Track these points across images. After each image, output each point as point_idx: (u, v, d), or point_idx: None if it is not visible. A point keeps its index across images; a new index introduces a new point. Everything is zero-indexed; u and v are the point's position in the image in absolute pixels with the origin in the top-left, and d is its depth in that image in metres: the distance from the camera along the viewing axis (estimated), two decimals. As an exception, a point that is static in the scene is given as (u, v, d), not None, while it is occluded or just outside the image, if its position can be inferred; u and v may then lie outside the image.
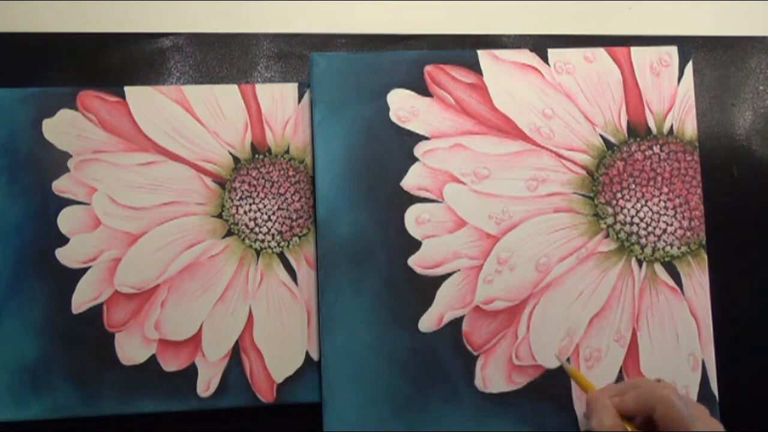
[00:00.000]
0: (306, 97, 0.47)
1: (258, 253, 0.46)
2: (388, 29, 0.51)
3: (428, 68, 0.47)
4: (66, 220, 0.45)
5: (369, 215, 0.45)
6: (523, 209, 0.46)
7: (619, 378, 0.45)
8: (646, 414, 0.38)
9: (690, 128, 0.48)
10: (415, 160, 0.46)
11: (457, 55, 0.47)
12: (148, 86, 0.47)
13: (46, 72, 0.48)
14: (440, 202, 0.46)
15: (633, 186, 0.47)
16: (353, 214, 0.45)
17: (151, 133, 0.46)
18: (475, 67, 0.47)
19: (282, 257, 0.46)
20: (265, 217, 0.46)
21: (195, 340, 0.44)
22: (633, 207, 0.47)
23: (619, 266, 0.46)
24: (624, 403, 0.39)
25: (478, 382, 0.44)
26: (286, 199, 0.47)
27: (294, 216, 0.46)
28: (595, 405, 0.39)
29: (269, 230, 0.46)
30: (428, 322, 0.44)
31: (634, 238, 0.46)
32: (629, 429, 0.38)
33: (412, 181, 0.46)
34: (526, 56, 0.48)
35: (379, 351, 0.44)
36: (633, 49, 0.48)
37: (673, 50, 0.48)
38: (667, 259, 0.46)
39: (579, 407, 0.44)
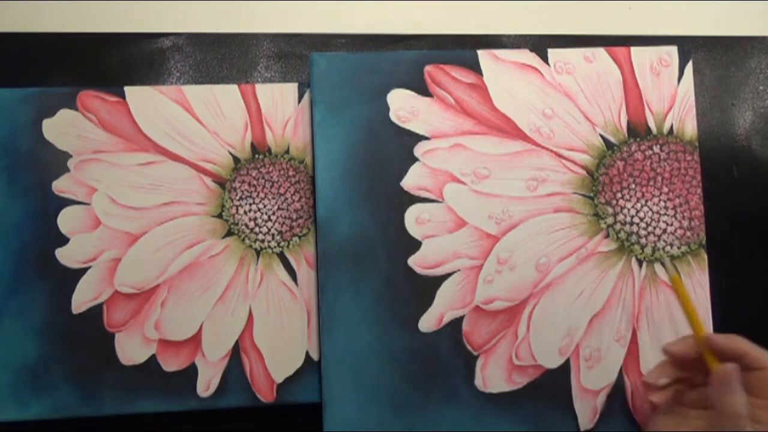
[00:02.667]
0: (306, 97, 0.47)
1: (258, 253, 0.46)
2: (388, 29, 0.51)
3: (428, 68, 0.47)
4: (66, 220, 0.45)
5: (369, 215, 0.45)
6: (523, 209, 0.46)
7: (619, 378, 0.45)
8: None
9: (690, 128, 0.48)
10: (415, 160, 0.46)
11: (457, 55, 0.47)
12: (148, 86, 0.47)
13: (46, 72, 0.48)
14: (440, 202, 0.46)
15: (633, 186, 0.47)
16: (353, 214, 0.45)
17: (151, 133, 0.46)
18: (475, 67, 0.47)
19: (282, 257, 0.46)
20: (265, 217, 0.46)
21: (195, 340, 0.44)
22: (633, 207, 0.47)
23: (619, 266, 0.46)
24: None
25: (478, 382, 0.44)
26: (286, 199, 0.47)
27: (294, 216, 0.46)
28: (734, 383, 0.38)
29: (269, 230, 0.46)
30: (428, 322, 0.44)
31: (634, 238, 0.46)
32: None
33: (412, 181, 0.46)
34: (526, 56, 0.48)
35: (379, 351, 0.44)
36: (633, 49, 0.48)
37: (673, 50, 0.48)
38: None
39: (579, 407, 0.44)
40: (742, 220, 0.50)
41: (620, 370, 0.45)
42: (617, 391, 0.45)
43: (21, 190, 0.45)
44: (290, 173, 0.47)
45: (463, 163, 0.46)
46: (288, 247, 0.46)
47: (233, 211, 0.46)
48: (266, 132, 0.47)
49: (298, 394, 0.44)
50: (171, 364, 0.44)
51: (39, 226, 0.45)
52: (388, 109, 0.46)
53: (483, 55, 0.47)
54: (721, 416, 0.37)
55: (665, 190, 0.47)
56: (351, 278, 0.44)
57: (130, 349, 0.44)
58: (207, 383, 0.44)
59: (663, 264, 0.44)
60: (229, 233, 0.46)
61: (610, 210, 0.47)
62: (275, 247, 0.46)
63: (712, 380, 0.39)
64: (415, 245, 0.45)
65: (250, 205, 0.46)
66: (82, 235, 0.45)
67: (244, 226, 0.46)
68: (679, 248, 0.47)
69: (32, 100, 0.46)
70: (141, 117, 0.46)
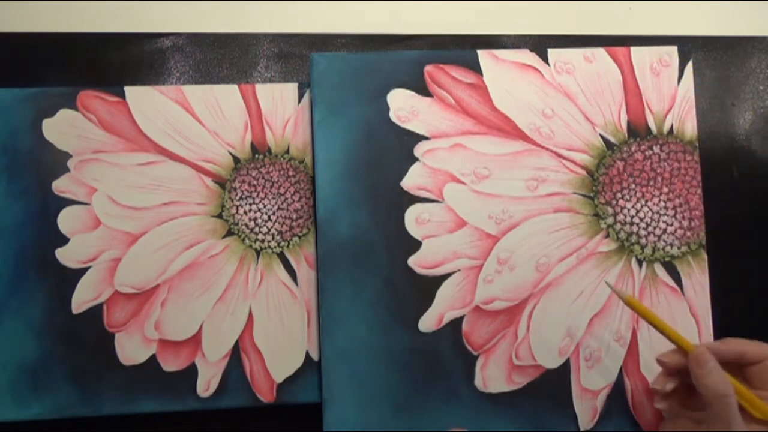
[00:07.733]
0: (306, 97, 0.47)
1: (258, 253, 0.46)
2: (388, 29, 0.51)
3: (428, 68, 0.47)
4: (66, 220, 0.45)
5: (369, 215, 0.45)
6: (523, 209, 0.46)
7: (619, 378, 0.45)
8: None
9: (690, 128, 0.48)
10: (415, 160, 0.46)
11: (457, 55, 0.47)
12: (148, 86, 0.47)
13: (46, 72, 0.48)
14: (440, 202, 0.46)
15: (633, 186, 0.47)
16: (353, 214, 0.45)
17: (151, 133, 0.46)
18: (475, 67, 0.47)
19: (282, 257, 0.46)
20: (265, 217, 0.46)
21: (195, 340, 0.44)
22: (633, 207, 0.47)
23: (619, 266, 0.46)
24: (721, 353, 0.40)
25: (478, 382, 0.44)
26: (286, 199, 0.47)
27: (294, 216, 0.46)
28: (709, 364, 0.39)
29: (269, 230, 0.46)
30: (428, 322, 0.44)
31: (634, 238, 0.46)
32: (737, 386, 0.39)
33: (412, 181, 0.46)
34: (526, 56, 0.48)
35: (379, 351, 0.44)
36: (633, 49, 0.48)
37: (673, 50, 0.48)
38: (667, 259, 0.46)
39: (579, 407, 0.44)
40: (742, 220, 0.50)
41: (620, 370, 0.45)
42: (617, 391, 0.45)
43: (21, 190, 0.45)
44: (290, 173, 0.47)
45: (463, 163, 0.46)
46: (288, 247, 0.46)
47: (233, 211, 0.46)
48: (266, 132, 0.47)
49: (298, 394, 0.44)
50: (171, 364, 0.44)
51: (39, 226, 0.45)
52: (388, 109, 0.46)
53: (483, 55, 0.47)
54: (708, 400, 0.38)
55: (665, 190, 0.47)
56: (351, 278, 0.44)
57: (130, 349, 0.44)
58: (207, 383, 0.44)
59: (612, 288, 0.42)
60: (229, 233, 0.46)
61: (610, 210, 0.47)
62: (275, 247, 0.46)
63: (690, 367, 0.39)
64: (415, 245, 0.45)
65: (250, 205, 0.46)
66: (82, 235, 0.45)
67: (244, 226, 0.46)
68: (679, 248, 0.47)
69: (32, 100, 0.46)
70: (141, 117, 0.46)
